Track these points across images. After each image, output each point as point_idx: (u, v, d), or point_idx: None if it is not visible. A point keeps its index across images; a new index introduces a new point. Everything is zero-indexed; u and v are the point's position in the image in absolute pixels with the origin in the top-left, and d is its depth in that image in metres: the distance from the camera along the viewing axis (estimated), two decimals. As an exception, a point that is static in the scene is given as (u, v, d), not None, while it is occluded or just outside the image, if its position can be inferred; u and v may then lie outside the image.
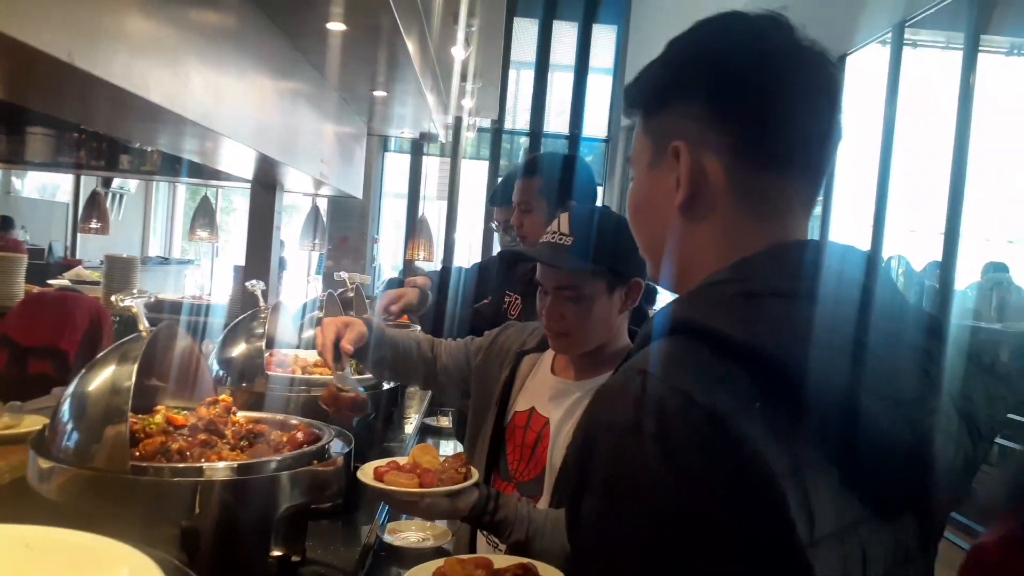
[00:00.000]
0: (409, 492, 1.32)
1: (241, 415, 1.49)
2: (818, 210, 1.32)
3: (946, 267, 4.69)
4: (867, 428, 0.64)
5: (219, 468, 1.20)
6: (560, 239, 1.48)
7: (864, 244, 5.96)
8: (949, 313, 4.64)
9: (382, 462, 1.41)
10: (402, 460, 1.41)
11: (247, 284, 2.00)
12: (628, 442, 0.61)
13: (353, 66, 3.01)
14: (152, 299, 1.35)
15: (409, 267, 6.48)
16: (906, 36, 5.37)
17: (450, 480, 1.34)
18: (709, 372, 0.63)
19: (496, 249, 7.53)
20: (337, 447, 1.42)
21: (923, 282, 5.56)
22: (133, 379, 1.19)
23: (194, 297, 5.60)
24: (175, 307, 4.87)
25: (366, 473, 1.38)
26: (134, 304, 1.36)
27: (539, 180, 2.24)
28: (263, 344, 1.88)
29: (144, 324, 1.33)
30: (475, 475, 1.38)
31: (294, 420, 1.51)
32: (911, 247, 6.01)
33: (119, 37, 1.60)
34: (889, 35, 5.40)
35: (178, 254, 11.01)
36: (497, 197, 3.00)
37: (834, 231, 6.59)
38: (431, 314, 2.83)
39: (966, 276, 5.00)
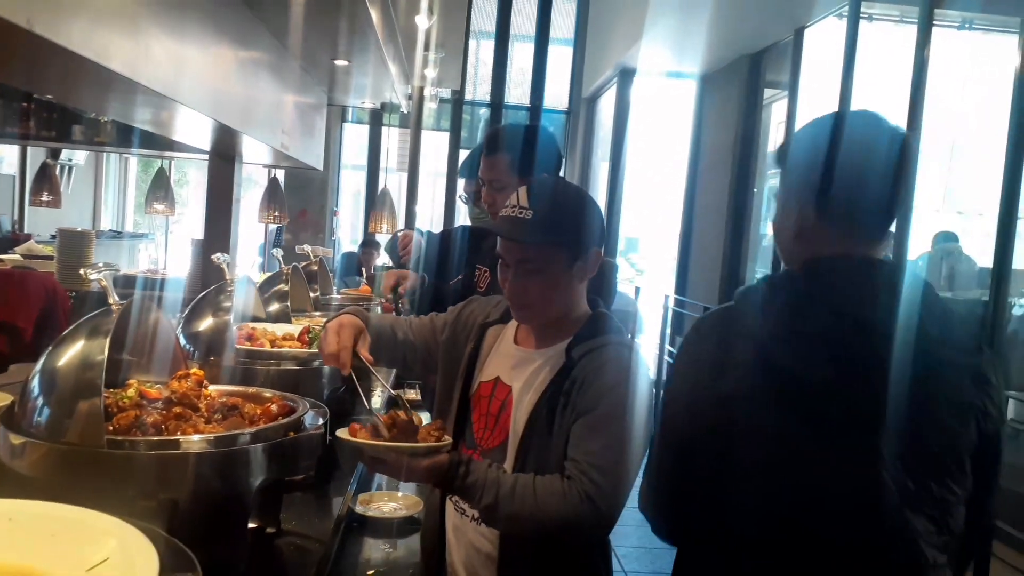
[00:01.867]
0: (375, 445, 1.32)
1: (213, 388, 1.48)
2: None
3: (899, 239, 4.82)
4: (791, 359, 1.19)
5: (195, 441, 1.20)
6: (520, 212, 1.48)
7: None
8: (901, 284, 4.77)
9: (365, 425, 1.40)
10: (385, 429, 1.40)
11: (213, 257, 1.98)
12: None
13: (314, 34, 2.97)
14: (119, 273, 1.34)
15: (370, 240, 6.43)
16: (862, 9, 5.44)
17: (422, 442, 1.35)
18: (718, 312, 1.36)
19: (460, 221, 7.50)
20: (312, 419, 1.42)
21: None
22: (105, 353, 1.18)
23: (149, 271, 5.49)
24: (129, 281, 4.77)
25: (343, 431, 1.37)
26: (103, 277, 1.34)
27: (507, 156, 2.23)
28: (231, 318, 1.86)
29: (114, 298, 1.31)
30: (448, 440, 1.39)
31: (267, 393, 1.51)
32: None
33: (79, 4, 1.55)
34: (846, 8, 5.47)
35: (131, 228, 10.74)
36: (465, 169, 2.99)
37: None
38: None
39: (918, 247, 5.14)
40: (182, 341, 1.85)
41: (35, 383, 1.21)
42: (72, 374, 1.19)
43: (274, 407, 1.41)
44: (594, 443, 1.39)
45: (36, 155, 6.95)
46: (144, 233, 9.26)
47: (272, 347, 1.98)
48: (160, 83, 2.02)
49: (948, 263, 4.96)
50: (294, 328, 2.16)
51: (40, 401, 1.19)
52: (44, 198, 4.76)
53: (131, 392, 1.30)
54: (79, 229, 4.06)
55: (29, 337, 2.97)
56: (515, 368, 1.56)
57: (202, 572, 1.17)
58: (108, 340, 1.20)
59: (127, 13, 1.80)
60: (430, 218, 9.52)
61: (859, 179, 1.20)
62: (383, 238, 7.47)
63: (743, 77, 7.16)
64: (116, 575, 0.74)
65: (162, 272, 5.44)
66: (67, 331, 1.26)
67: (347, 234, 10.22)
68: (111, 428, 1.20)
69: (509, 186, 2.19)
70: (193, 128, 2.99)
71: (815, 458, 1.16)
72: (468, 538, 1.55)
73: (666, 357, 7.08)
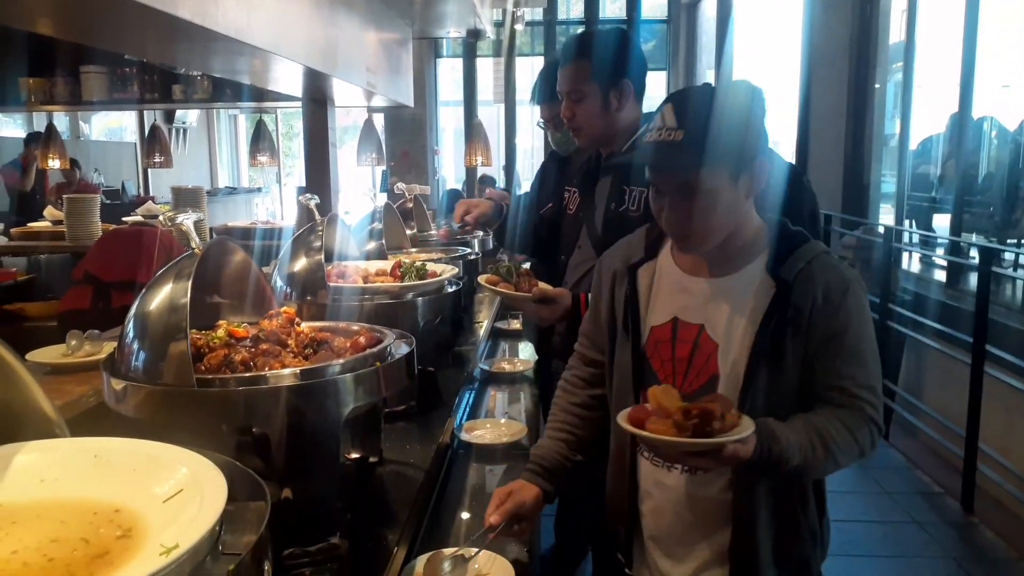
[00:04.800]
0: (684, 442, 1.18)
1: (305, 325, 1.49)
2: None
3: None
4: None
5: (283, 375, 1.20)
6: (669, 134, 1.31)
7: (950, 105, 5.56)
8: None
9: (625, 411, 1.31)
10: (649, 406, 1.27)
11: (300, 198, 1.99)
12: None
13: (388, -36, 2.89)
14: (198, 217, 1.35)
15: (471, 174, 6.42)
16: None
17: (730, 430, 1.21)
18: None
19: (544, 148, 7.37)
20: (399, 349, 1.41)
21: (1019, 140, 5.17)
22: (188, 295, 1.19)
23: (265, 222, 5.71)
24: (246, 233, 4.99)
25: (624, 416, 1.27)
26: (184, 222, 1.36)
27: (588, 64, 2.10)
28: (322, 257, 1.87)
29: (196, 241, 1.33)
30: (753, 426, 1.24)
31: (355, 326, 1.51)
32: (1005, 104, 5.59)
33: (136, -49, 1.54)
34: None
35: (246, 183, 11.22)
36: (538, 92, 2.87)
37: (916, 97, 6.18)
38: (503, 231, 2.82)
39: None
40: (279, 283, 1.89)
41: (130, 329, 1.24)
42: (161, 318, 1.21)
43: (362, 339, 1.41)
44: (855, 366, 1.35)
45: (152, 121, 7.32)
46: (258, 188, 9.65)
47: (365, 283, 1.99)
48: (233, 28, 2.01)
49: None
50: (386, 264, 2.17)
51: (135, 346, 1.22)
52: (156, 159, 5.00)
53: (220, 333, 1.32)
54: (191, 186, 4.25)
55: (152, 291, 3.13)
56: (706, 303, 1.42)
57: (297, 500, 1.21)
58: (190, 283, 1.21)
59: (190, -43, 1.78)
60: (531, 147, 9.40)
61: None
62: (492, 171, 7.44)
63: (857, -40, 6.56)
64: (188, 504, 0.74)
65: (275, 222, 5.65)
66: (154, 278, 1.28)
67: (451, 172, 10.30)
68: (203, 368, 1.22)
69: (590, 96, 2.07)
70: (280, 74, 3.01)
71: None
72: (680, 493, 1.45)
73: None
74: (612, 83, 2.07)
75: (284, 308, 1.50)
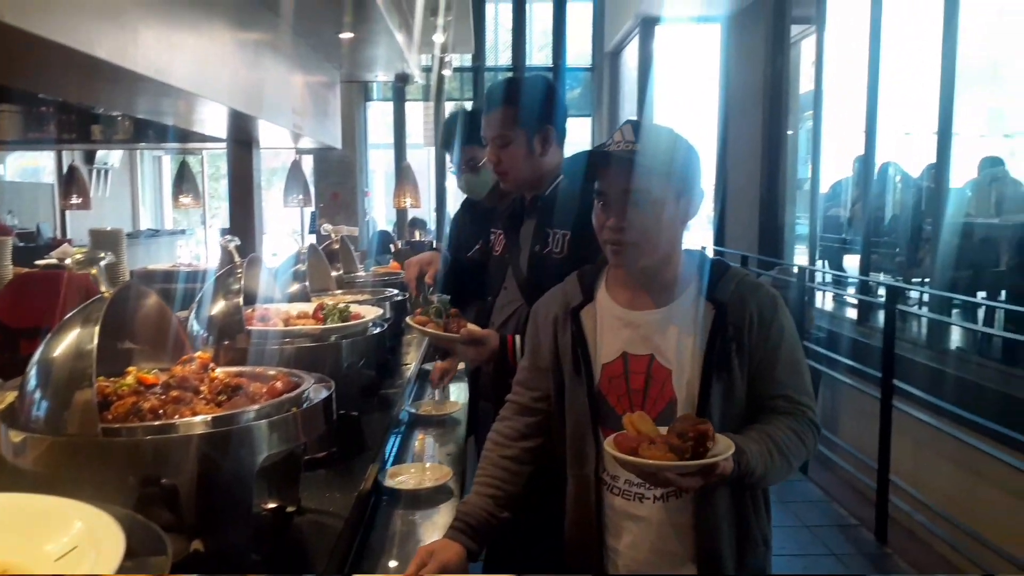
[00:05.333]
0: (672, 465, 1.23)
1: (219, 371, 1.46)
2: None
3: (940, 166, 4.61)
4: None
5: (193, 423, 1.17)
6: (626, 146, 1.44)
7: (857, 151, 5.86)
8: (943, 213, 4.59)
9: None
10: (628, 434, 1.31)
11: (220, 240, 1.96)
12: None
13: (313, 7, 2.91)
14: (110, 259, 1.32)
15: (401, 216, 6.42)
16: (888, -70, 5.18)
17: (712, 452, 1.27)
18: None
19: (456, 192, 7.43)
20: (319, 393, 1.39)
21: (920, 184, 5.48)
22: (95, 341, 1.15)
23: (187, 265, 5.56)
24: (168, 276, 4.85)
25: (612, 445, 1.29)
26: (94, 267, 1.33)
27: (514, 109, 2.15)
28: (240, 300, 1.84)
29: (105, 286, 1.29)
30: (725, 439, 1.30)
31: (272, 371, 1.48)
32: (908, 151, 5.93)
33: (50, -9, 1.52)
34: (871, -69, 5.21)
35: (170, 226, 10.92)
36: (448, 140, 2.91)
37: (825, 144, 6.50)
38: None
39: (965, 174, 4.93)
40: (196, 327, 1.84)
41: (32, 376, 1.20)
42: (66, 365, 1.17)
43: (278, 384, 1.39)
44: (794, 374, 1.49)
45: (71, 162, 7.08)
46: (182, 230, 9.41)
47: (286, 326, 1.96)
48: (153, 68, 1.99)
49: (995, 188, 4.73)
50: (308, 306, 2.14)
51: (38, 395, 1.18)
52: (74, 201, 4.84)
53: (129, 380, 1.28)
54: (109, 228, 4.12)
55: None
56: (652, 333, 1.49)
57: (209, 554, 1.17)
58: (98, 328, 1.17)
59: (106, -1, 1.77)
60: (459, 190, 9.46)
61: None
62: (422, 213, 7.45)
63: (769, 14, 6.91)
64: (82, 562, 0.71)
65: (200, 266, 5.51)
66: (60, 323, 1.24)
67: (381, 214, 10.25)
68: (109, 417, 1.18)
69: (516, 141, 2.12)
70: (205, 116, 2.98)
71: None
72: (655, 519, 1.48)
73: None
74: (537, 128, 2.12)
75: (198, 353, 1.47)
